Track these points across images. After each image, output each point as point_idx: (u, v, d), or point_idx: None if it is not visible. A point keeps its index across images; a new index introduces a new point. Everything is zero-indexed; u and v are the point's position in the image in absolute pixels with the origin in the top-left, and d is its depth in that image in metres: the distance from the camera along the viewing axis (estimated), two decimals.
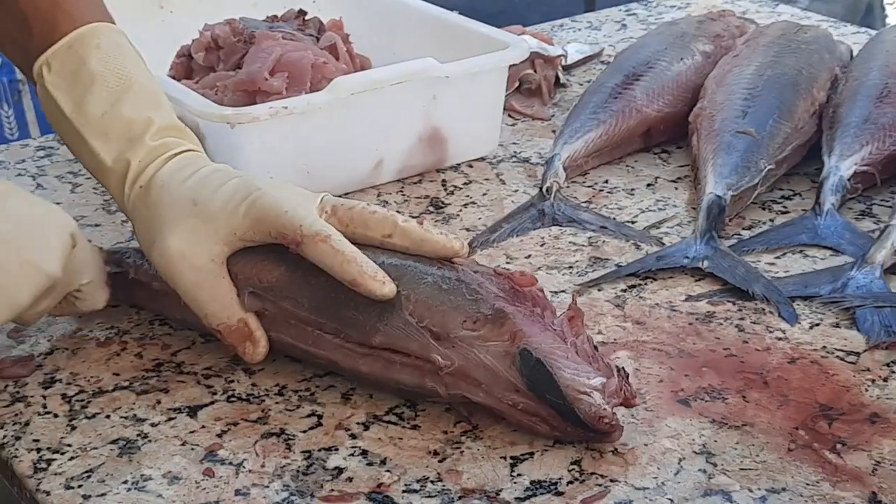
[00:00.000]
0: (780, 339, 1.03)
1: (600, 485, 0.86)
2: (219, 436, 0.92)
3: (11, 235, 0.93)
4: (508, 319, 0.89)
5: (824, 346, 1.02)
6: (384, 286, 0.93)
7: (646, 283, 1.12)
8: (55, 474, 0.89)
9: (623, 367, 0.91)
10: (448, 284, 0.93)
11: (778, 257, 1.17)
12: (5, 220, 0.94)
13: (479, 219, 1.25)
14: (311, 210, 0.97)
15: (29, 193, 1.00)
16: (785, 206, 1.27)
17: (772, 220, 1.24)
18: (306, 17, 1.41)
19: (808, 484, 0.86)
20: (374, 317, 0.93)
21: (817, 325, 1.05)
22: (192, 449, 0.91)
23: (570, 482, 0.86)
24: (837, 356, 1.01)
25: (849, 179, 1.24)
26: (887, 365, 0.99)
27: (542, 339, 0.89)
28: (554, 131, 1.42)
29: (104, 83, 1.02)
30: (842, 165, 1.24)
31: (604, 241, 1.20)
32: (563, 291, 1.11)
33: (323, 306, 0.95)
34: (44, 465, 0.90)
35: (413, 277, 0.94)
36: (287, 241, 0.95)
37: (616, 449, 0.89)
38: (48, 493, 0.87)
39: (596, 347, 0.92)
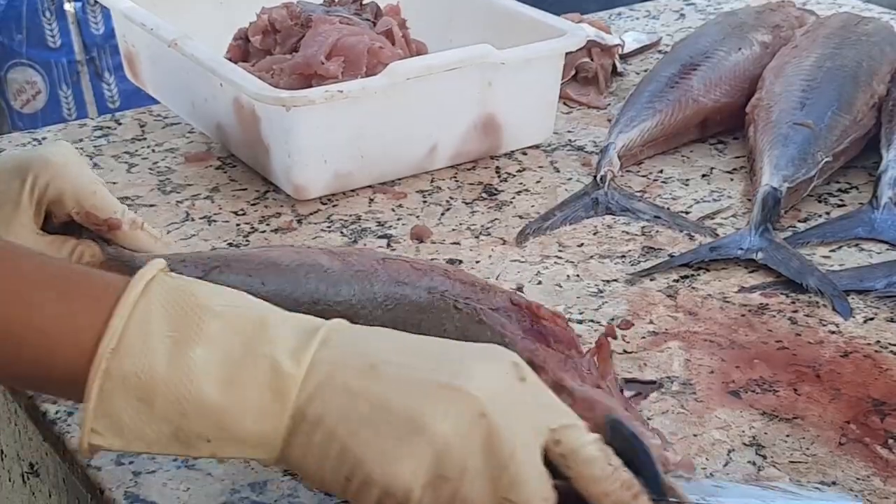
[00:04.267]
0: (833, 332, 1.03)
1: None
2: None
3: None
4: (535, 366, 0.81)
5: (878, 341, 1.01)
6: None
7: (699, 274, 1.12)
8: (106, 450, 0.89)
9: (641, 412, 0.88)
10: (472, 332, 0.84)
11: (833, 250, 1.16)
12: None
13: (533, 206, 1.24)
14: None
15: None
16: (841, 199, 1.26)
17: (828, 213, 1.23)
18: (363, 2, 1.41)
19: (858, 478, 0.85)
20: None
21: (871, 319, 1.05)
22: None
23: None
24: (891, 351, 1.00)
25: None
26: None
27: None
28: (609, 120, 1.41)
29: None
30: None
31: (657, 231, 1.19)
32: (615, 280, 1.10)
33: None
34: None
35: (433, 324, 0.85)
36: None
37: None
38: (99, 469, 0.87)
39: (622, 389, 0.88)
